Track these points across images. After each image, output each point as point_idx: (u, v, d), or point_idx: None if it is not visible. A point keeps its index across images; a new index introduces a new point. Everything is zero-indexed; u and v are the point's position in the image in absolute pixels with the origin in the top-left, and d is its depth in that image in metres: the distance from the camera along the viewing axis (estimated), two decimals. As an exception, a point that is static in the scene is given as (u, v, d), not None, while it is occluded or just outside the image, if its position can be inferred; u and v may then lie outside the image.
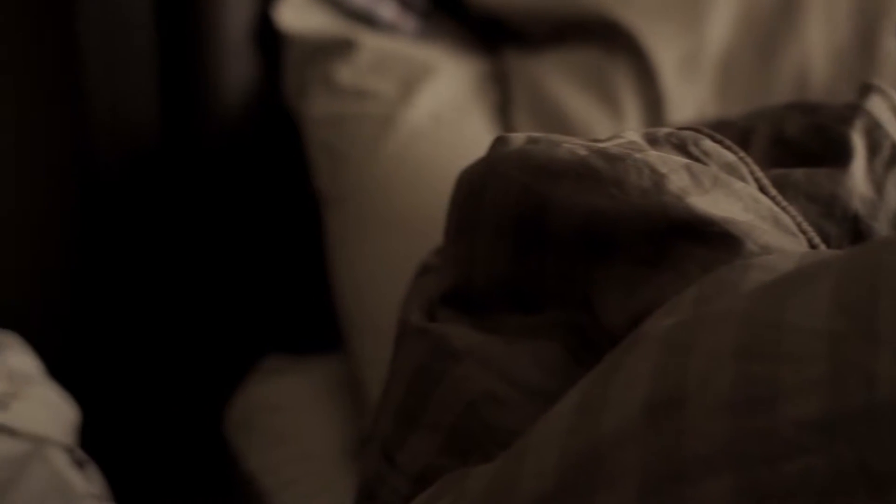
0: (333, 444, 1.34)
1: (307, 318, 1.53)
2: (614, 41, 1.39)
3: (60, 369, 1.23)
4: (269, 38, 1.48)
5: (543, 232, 0.83)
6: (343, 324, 1.37)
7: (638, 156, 0.81)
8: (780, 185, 0.86)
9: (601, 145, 0.84)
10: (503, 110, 1.43)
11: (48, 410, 1.11)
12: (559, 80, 1.40)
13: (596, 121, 1.37)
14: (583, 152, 0.83)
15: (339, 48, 1.43)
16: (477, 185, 0.87)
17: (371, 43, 1.43)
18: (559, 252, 0.82)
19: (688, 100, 1.39)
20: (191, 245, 1.52)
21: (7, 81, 1.66)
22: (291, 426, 1.39)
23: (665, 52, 1.38)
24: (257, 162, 1.50)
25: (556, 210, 0.82)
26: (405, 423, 0.84)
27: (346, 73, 1.41)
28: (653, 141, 0.87)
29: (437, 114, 1.38)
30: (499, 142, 0.89)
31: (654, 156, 0.82)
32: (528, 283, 0.84)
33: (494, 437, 0.78)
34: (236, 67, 1.47)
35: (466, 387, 0.80)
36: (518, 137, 0.88)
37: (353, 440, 1.33)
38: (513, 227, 0.84)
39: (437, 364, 0.83)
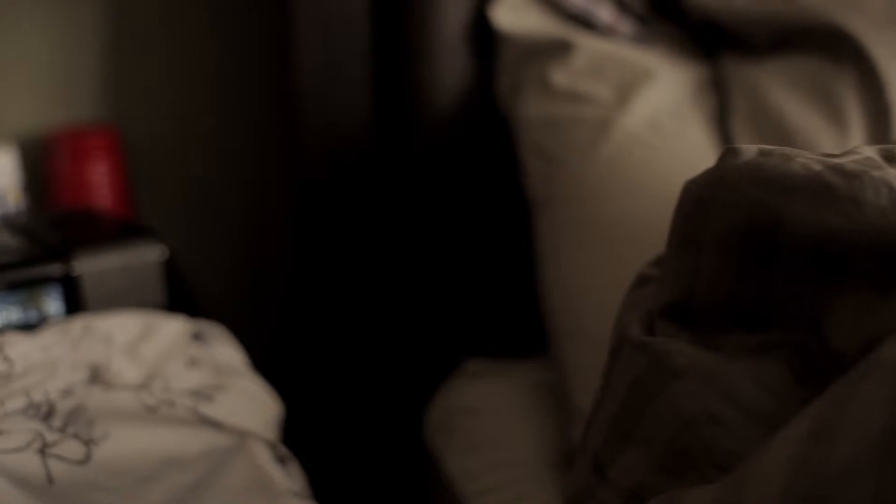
0: (534, 452, 1.33)
1: (511, 323, 1.53)
2: (840, 50, 1.35)
3: (266, 363, 1.25)
4: (484, 37, 1.48)
5: (773, 248, 0.80)
6: (551, 329, 1.36)
7: (876, 173, 0.79)
8: None
9: (836, 161, 0.81)
10: (721, 118, 1.41)
11: (252, 404, 1.11)
12: (781, 88, 1.37)
13: (819, 132, 1.34)
14: (818, 167, 0.80)
15: (556, 49, 1.42)
16: (705, 197, 0.85)
17: (588, 45, 1.42)
18: (789, 270, 0.80)
19: (914, 113, 1.35)
20: (398, 246, 1.52)
21: (226, 80, 1.69)
22: (491, 431, 1.38)
23: (893, 63, 1.34)
24: (469, 163, 1.50)
25: (788, 226, 0.79)
26: (618, 438, 0.83)
27: (561, 75, 1.40)
28: (890, 158, 0.84)
29: (654, 120, 1.36)
30: (729, 153, 0.86)
31: (893, 174, 0.79)
32: (753, 301, 0.82)
33: (712, 458, 0.76)
34: (451, 67, 1.47)
35: (686, 405, 0.78)
36: (749, 149, 0.85)
37: (554, 449, 1.31)
38: (741, 242, 0.82)
39: (655, 379, 0.81)
